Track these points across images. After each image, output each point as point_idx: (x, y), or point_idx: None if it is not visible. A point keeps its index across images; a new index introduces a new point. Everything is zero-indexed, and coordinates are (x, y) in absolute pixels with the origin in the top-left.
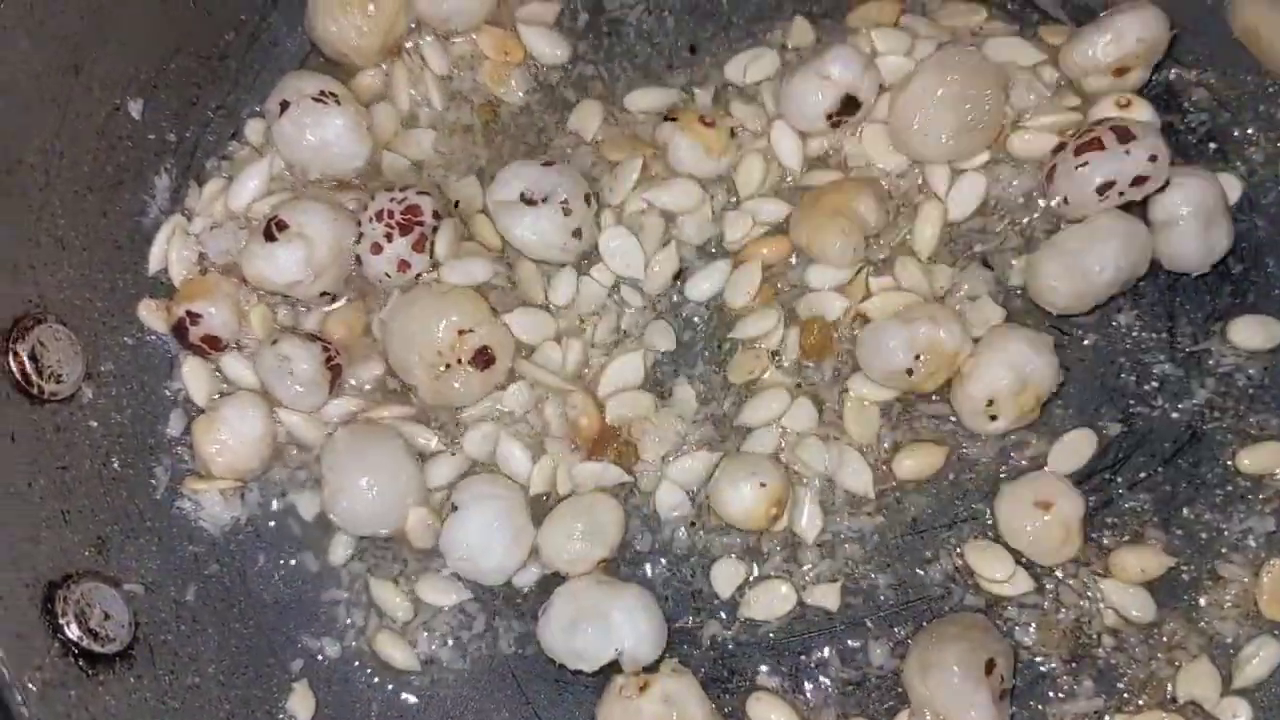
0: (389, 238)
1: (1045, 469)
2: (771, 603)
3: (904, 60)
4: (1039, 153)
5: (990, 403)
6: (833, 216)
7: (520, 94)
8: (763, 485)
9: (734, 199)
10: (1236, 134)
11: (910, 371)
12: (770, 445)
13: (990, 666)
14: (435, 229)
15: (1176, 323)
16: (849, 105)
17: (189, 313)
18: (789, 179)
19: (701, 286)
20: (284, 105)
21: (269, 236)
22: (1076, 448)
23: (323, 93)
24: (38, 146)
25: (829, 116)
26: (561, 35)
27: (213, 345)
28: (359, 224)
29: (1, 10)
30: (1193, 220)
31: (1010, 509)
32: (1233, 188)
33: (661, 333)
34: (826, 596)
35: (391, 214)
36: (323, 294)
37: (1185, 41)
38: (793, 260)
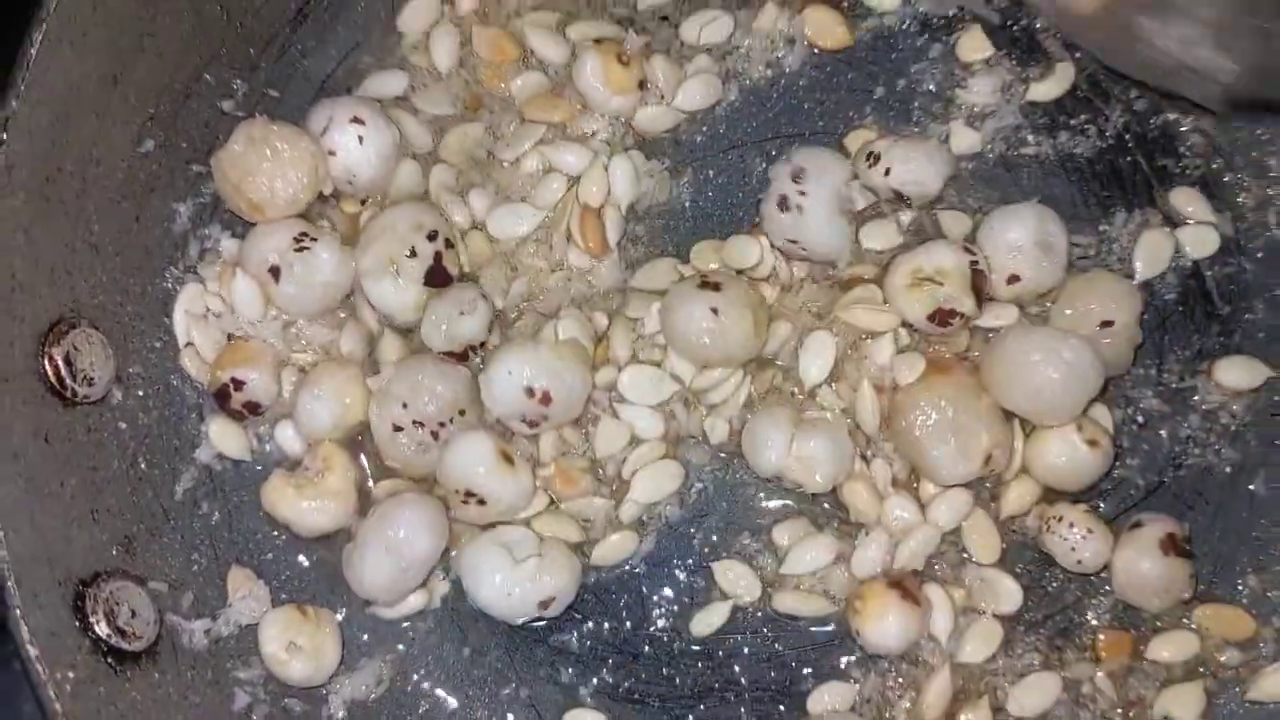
0: None
1: None
2: None
3: None
4: None
5: None
6: None
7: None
8: None
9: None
10: (1228, 179)
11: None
12: None
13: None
14: None
15: (1164, 360)
16: None
17: (233, 379)
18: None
19: None
20: (275, 270)
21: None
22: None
23: (297, 238)
24: (76, 155)
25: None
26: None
27: (252, 411)
28: None
29: (47, 21)
30: None
31: None
32: (1224, 230)
33: None
34: None
35: None
36: None
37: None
38: None
